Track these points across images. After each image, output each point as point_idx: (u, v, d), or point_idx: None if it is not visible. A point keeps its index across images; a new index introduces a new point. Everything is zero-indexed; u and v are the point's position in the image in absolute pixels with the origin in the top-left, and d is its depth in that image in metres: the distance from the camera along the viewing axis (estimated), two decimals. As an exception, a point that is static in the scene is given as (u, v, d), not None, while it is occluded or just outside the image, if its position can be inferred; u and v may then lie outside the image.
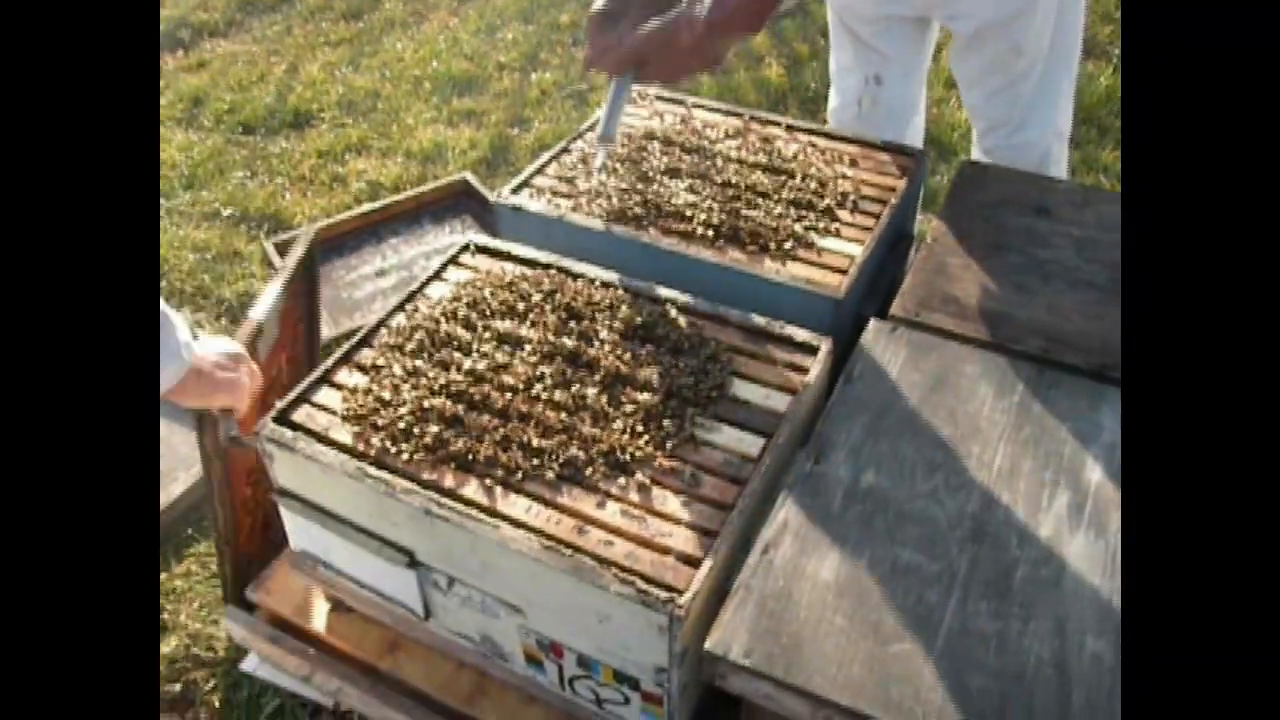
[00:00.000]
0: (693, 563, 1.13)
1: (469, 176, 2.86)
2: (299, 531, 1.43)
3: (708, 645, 1.03)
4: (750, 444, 1.26)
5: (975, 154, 2.06)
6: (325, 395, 1.37)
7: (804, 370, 1.35)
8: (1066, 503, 1.17)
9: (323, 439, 1.30)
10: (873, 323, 1.40)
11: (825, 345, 1.38)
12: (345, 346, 1.43)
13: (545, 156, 1.79)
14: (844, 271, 1.51)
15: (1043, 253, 1.56)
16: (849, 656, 1.01)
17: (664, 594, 1.08)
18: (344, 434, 1.31)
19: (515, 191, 1.71)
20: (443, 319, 1.45)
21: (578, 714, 1.36)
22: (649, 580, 1.10)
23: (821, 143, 1.83)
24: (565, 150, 1.82)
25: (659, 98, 1.98)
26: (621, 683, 1.23)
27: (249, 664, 1.71)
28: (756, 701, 1.04)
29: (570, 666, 1.27)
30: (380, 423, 1.30)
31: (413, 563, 1.30)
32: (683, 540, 1.15)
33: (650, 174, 1.72)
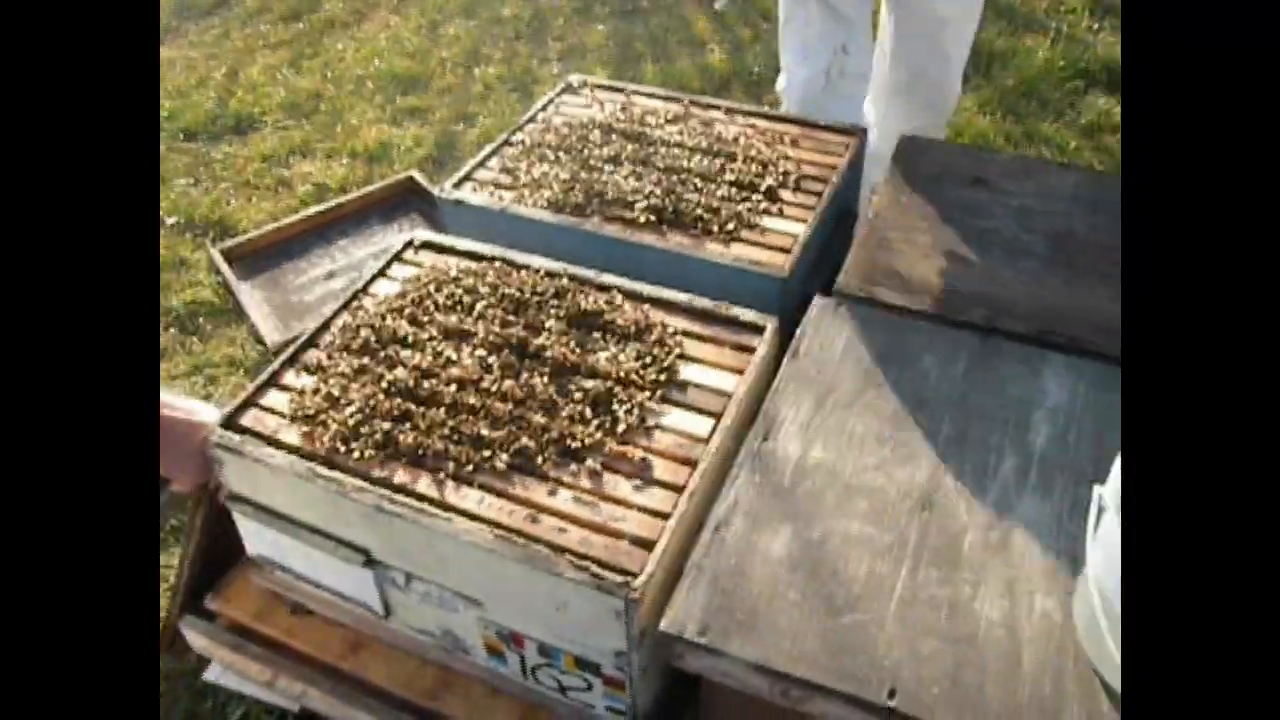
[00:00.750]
0: (646, 545, 1.13)
1: (416, 174, 2.85)
2: (254, 536, 1.43)
3: (663, 625, 1.03)
4: (700, 425, 1.27)
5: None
6: (273, 398, 1.36)
7: (751, 350, 1.36)
8: (1013, 467, 1.19)
9: (271, 441, 1.29)
10: (817, 300, 1.41)
11: (771, 325, 1.39)
12: (291, 348, 1.42)
13: (487, 149, 1.79)
14: (788, 251, 1.52)
15: (982, 224, 1.58)
16: (803, 629, 1.02)
17: (619, 578, 1.09)
18: (293, 435, 1.30)
19: (458, 186, 1.70)
20: (388, 316, 1.44)
21: (542, 703, 1.36)
22: (603, 565, 1.11)
23: (762, 124, 1.84)
24: (507, 143, 1.81)
25: (598, 87, 1.98)
26: (583, 669, 1.23)
27: (212, 673, 1.69)
28: (714, 679, 1.05)
29: (531, 656, 1.27)
30: (329, 422, 1.29)
31: (369, 561, 1.29)
32: (635, 524, 1.16)
33: (592, 162, 1.72)
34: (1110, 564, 0.93)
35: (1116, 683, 0.97)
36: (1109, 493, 0.95)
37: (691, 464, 1.22)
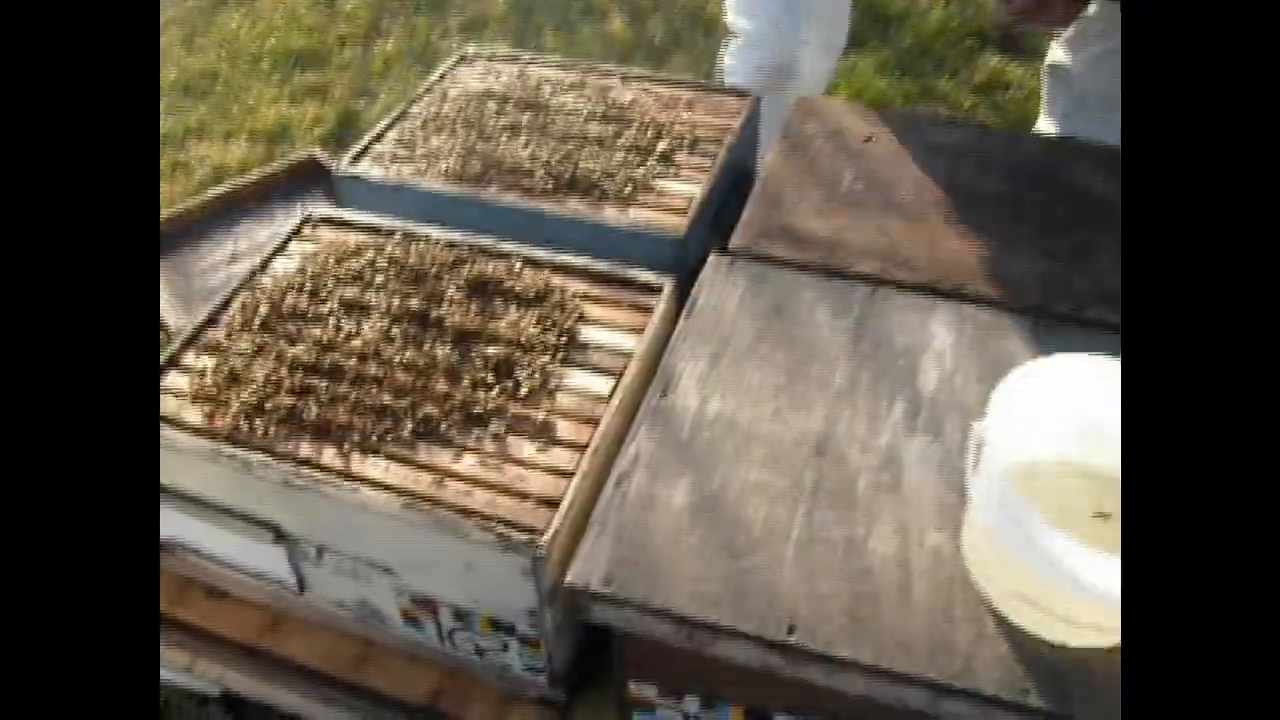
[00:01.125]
0: (551, 504, 1.16)
1: (316, 153, 2.81)
2: (163, 520, 1.42)
3: (568, 578, 1.06)
4: (601, 385, 1.30)
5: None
6: (173, 379, 1.35)
7: (649, 310, 1.39)
8: (903, 411, 1.24)
9: (173, 423, 1.28)
10: (711, 257, 1.44)
11: (668, 284, 1.41)
12: (190, 329, 1.41)
13: (382, 123, 1.78)
14: (684, 212, 1.55)
15: (873, 179, 1.62)
16: (705, 574, 1.05)
17: (524, 536, 1.11)
18: (195, 416, 1.29)
19: (354, 161, 1.70)
20: (288, 293, 1.44)
21: (462, 667, 1.39)
22: (509, 525, 1.13)
23: (657, 89, 1.86)
24: (403, 116, 1.80)
25: (494, 57, 1.98)
26: (498, 630, 1.26)
27: (128, 662, 1.68)
28: (622, 628, 1.08)
29: (447, 620, 1.29)
30: (231, 401, 1.29)
31: (279, 537, 1.30)
32: (540, 484, 1.18)
33: (489, 132, 1.73)
34: (989, 494, 0.98)
35: (999, 604, 1.02)
36: (987, 427, 1.00)
37: (594, 422, 1.25)
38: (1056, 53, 2.09)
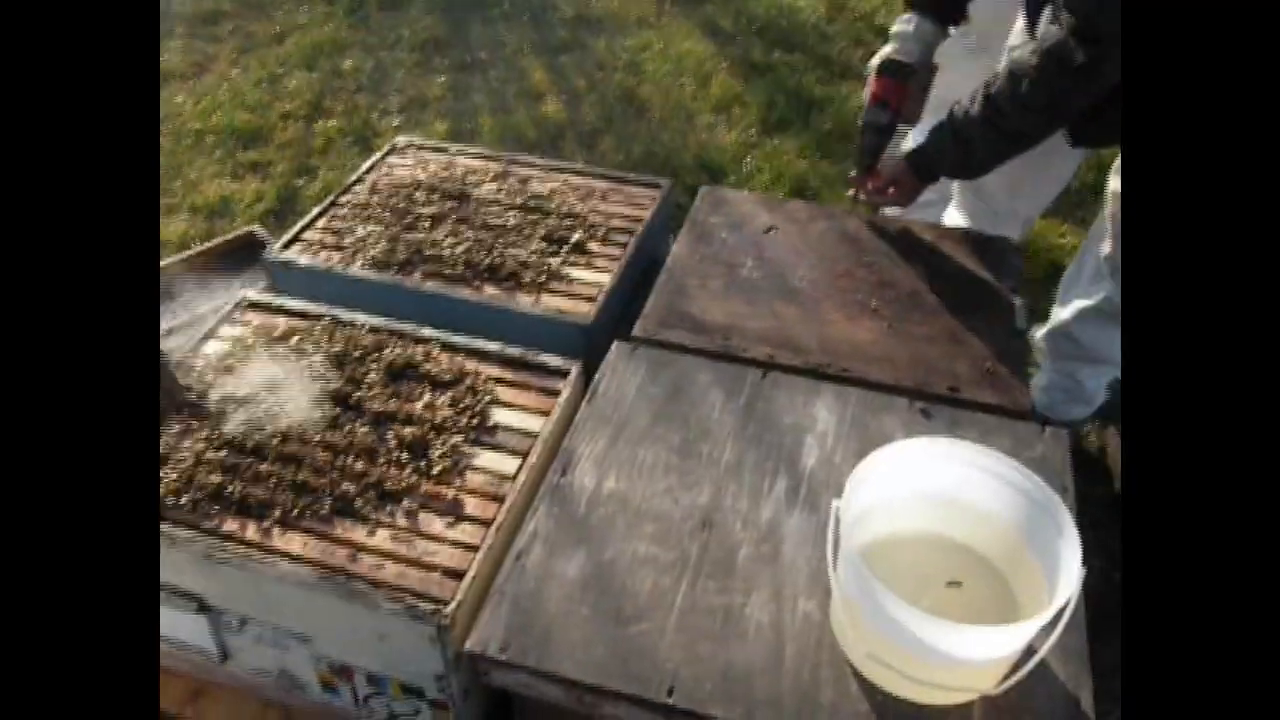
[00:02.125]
0: (457, 575, 1.25)
1: (256, 229, 2.89)
2: (89, 593, 1.48)
3: (468, 645, 1.15)
4: (508, 464, 1.39)
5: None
6: (103, 459, 1.42)
7: (556, 394, 1.50)
8: (785, 487, 1.35)
9: (101, 501, 1.35)
10: (616, 344, 1.56)
11: (575, 369, 1.52)
12: (121, 410, 1.48)
13: (315, 210, 1.88)
14: (593, 299, 1.66)
15: (771, 267, 1.75)
16: (594, 640, 1.15)
17: (431, 606, 1.20)
18: (123, 493, 1.36)
19: (286, 247, 1.79)
20: (219, 374, 1.52)
21: (379, 732, 1.46)
22: (417, 595, 1.22)
23: (575, 179, 1.99)
24: (334, 203, 1.91)
25: (423, 147, 2.10)
26: (409, 694, 1.33)
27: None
28: (519, 691, 1.17)
29: (362, 686, 1.37)
30: (161, 477, 1.37)
31: (202, 607, 1.37)
32: (447, 557, 1.27)
33: (415, 221, 1.84)
34: (845, 566, 1.09)
35: (860, 666, 1.12)
36: (844, 504, 1.11)
37: (500, 500, 1.34)
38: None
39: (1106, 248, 1.87)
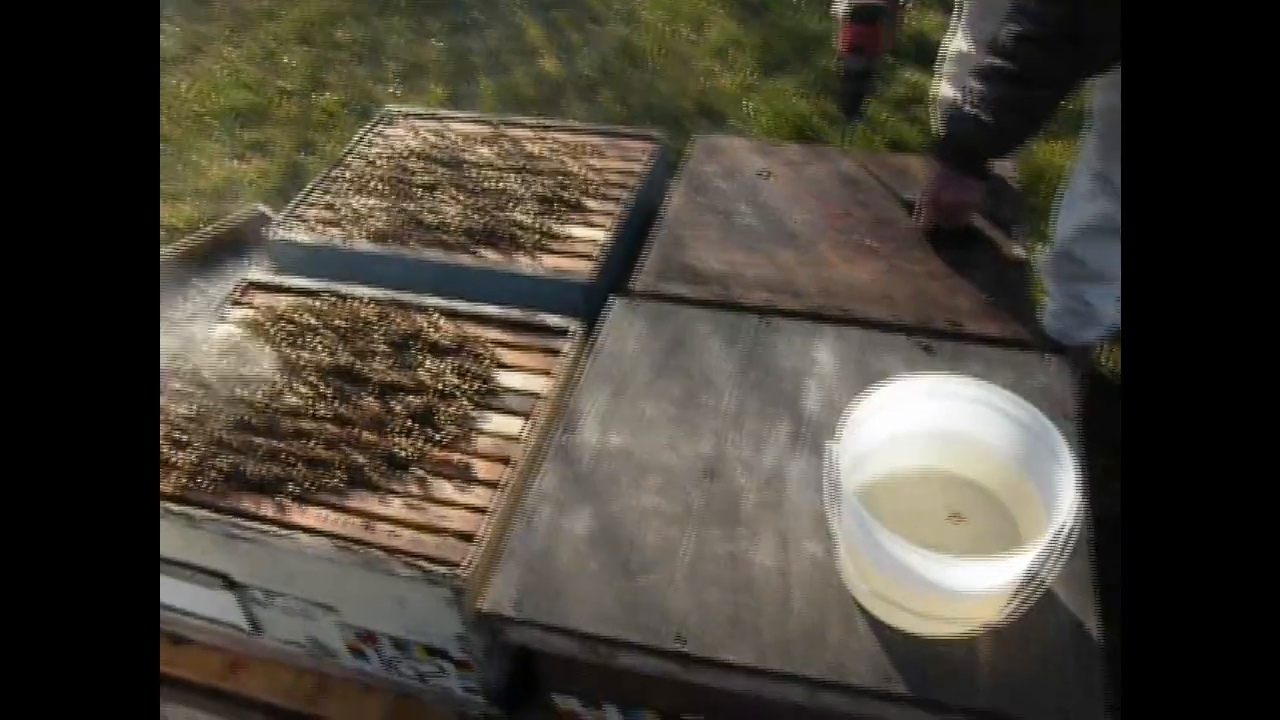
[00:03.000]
0: (469, 539, 1.27)
1: (263, 208, 2.91)
2: (120, 577, 1.52)
3: (483, 606, 1.18)
4: (514, 426, 1.42)
5: None
6: (121, 446, 1.45)
7: (559, 353, 1.51)
8: (787, 432, 1.36)
9: (122, 487, 1.39)
10: (615, 300, 1.57)
11: (575, 327, 1.54)
12: (135, 398, 1.51)
13: (309, 186, 1.90)
14: (592, 257, 1.67)
15: (766, 213, 1.75)
16: (603, 594, 1.17)
17: (445, 569, 1.23)
18: (142, 479, 1.40)
19: (284, 224, 1.81)
20: (227, 357, 1.55)
21: (409, 693, 1.50)
22: (432, 560, 1.25)
23: (567, 137, 1.99)
24: (329, 177, 1.92)
25: (413, 115, 2.10)
26: (434, 656, 1.37)
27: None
28: (534, 647, 1.20)
29: (387, 651, 1.40)
30: (177, 462, 1.40)
31: (229, 584, 1.41)
32: (459, 520, 1.30)
33: (411, 191, 1.85)
34: (845, 507, 1.10)
35: (866, 604, 1.14)
36: (839, 447, 1.12)
37: (508, 461, 1.37)
38: (943, 87, 2.22)
39: (1097, 164, 1.85)
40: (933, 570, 1.02)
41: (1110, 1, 1.36)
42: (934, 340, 1.49)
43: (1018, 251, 1.66)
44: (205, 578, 1.42)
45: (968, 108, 1.53)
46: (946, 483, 1.25)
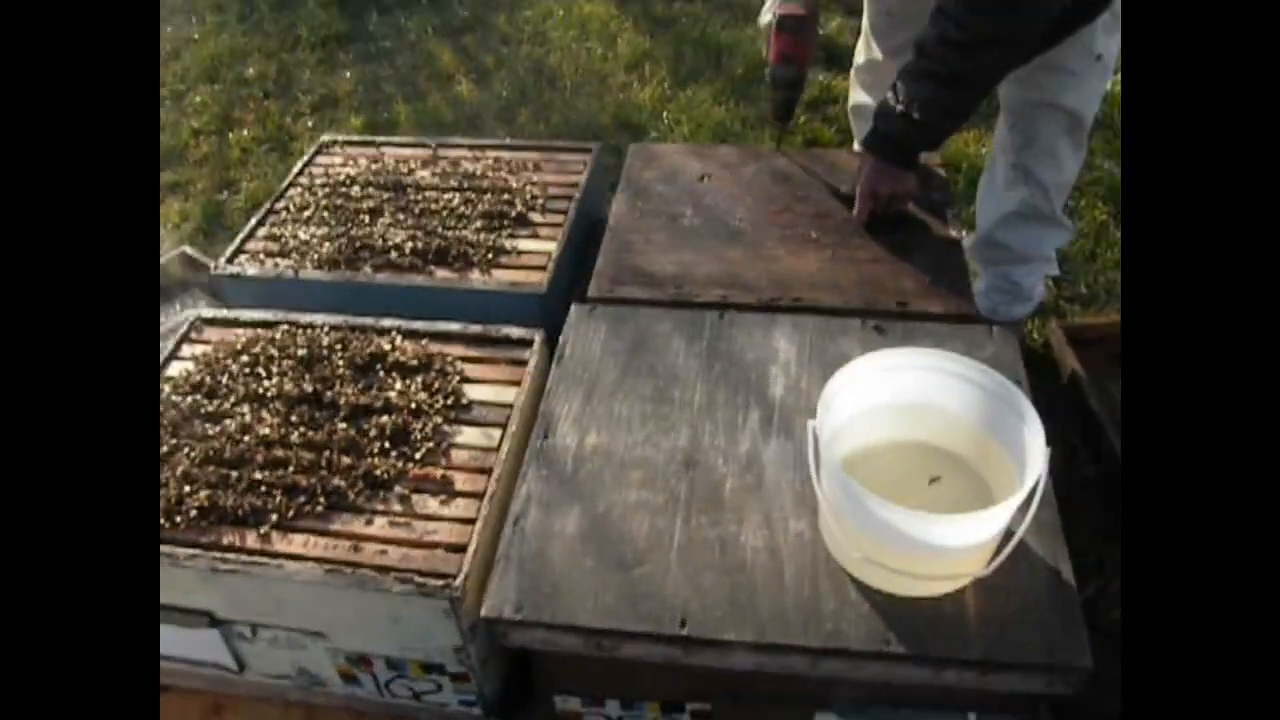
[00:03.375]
0: (459, 549, 1.29)
1: (188, 249, 2.87)
2: (95, 626, 1.49)
3: (483, 611, 1.19)
4: (489, 437, 1.43)
5: None
6: (88, 493, 1.43)
7: (524, 363, 1.53)
8: (758, 419, 1.41)
9: (96, 533, 1.37)
10: (574, 307, 1.60)
11: (538, 337, 1.56)
12: (97, 443, 1.49)
13: (253, 220, 1.89)
14: (544, 268, 1.70)
15: (709, 213, 1.80)
16: (602, 588, 1.20)
17: (440, 582, 1.24)
18: (116, 523, 1.38)
19: (231, 260, 1.80)
20: (188, 394, 1.54)
21: (402, 715, 1.50)
22: (425, 574, 1.26)
23: (505, 155, 2.01)
24: (271, 210, 1.91)
25: (349, 143, 2.11)
26: (430, 672, 1.38)
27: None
28: (537, 648, 1.22)
29: (382, 672, 1.40)
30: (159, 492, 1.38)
31: (213, 621, 1.39)
32: (447, 533, 1.31)
33: (355, 217, 1.85)
34: (829, 479, 1.15)
35: (856, 572, 1.19)
36: (819, 423, 1.16)
37: (488, 471, 1.38)
38: (858, 94, 2.30)
39: (1013, 155, 1.94)
40: (923, 530, 1.07)
41: (1026, 7, 1.46)
42: (885, 321, 1.55)
43: (953, 233, 1.74)
44: (187, 617, 1.40)
45: (899, 107, 1.60)
46: (916, 451, 1.30)
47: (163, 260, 2.86)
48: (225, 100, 3.67)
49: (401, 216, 1.84)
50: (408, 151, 2.06)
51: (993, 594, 1.17)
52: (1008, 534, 1.14)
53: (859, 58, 2.24)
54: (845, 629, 1.14)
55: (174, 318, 2.74)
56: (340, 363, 1.56)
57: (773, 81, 1.87)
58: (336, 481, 1.38)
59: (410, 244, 1.76)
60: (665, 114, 3.27)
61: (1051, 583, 1.18)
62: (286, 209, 1.91)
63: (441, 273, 1.72)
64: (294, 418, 1.47)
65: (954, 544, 1.10)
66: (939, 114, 1.61)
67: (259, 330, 1.65)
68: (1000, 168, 2.04)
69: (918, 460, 1.29)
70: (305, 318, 1.66)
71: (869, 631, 1.14)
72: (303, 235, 1.82)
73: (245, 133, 3.47)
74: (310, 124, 3.48)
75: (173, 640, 1.45)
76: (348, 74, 3.71)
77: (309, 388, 1.51)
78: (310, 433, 1.45)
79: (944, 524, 1.06)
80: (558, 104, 3.38)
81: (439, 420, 1.46)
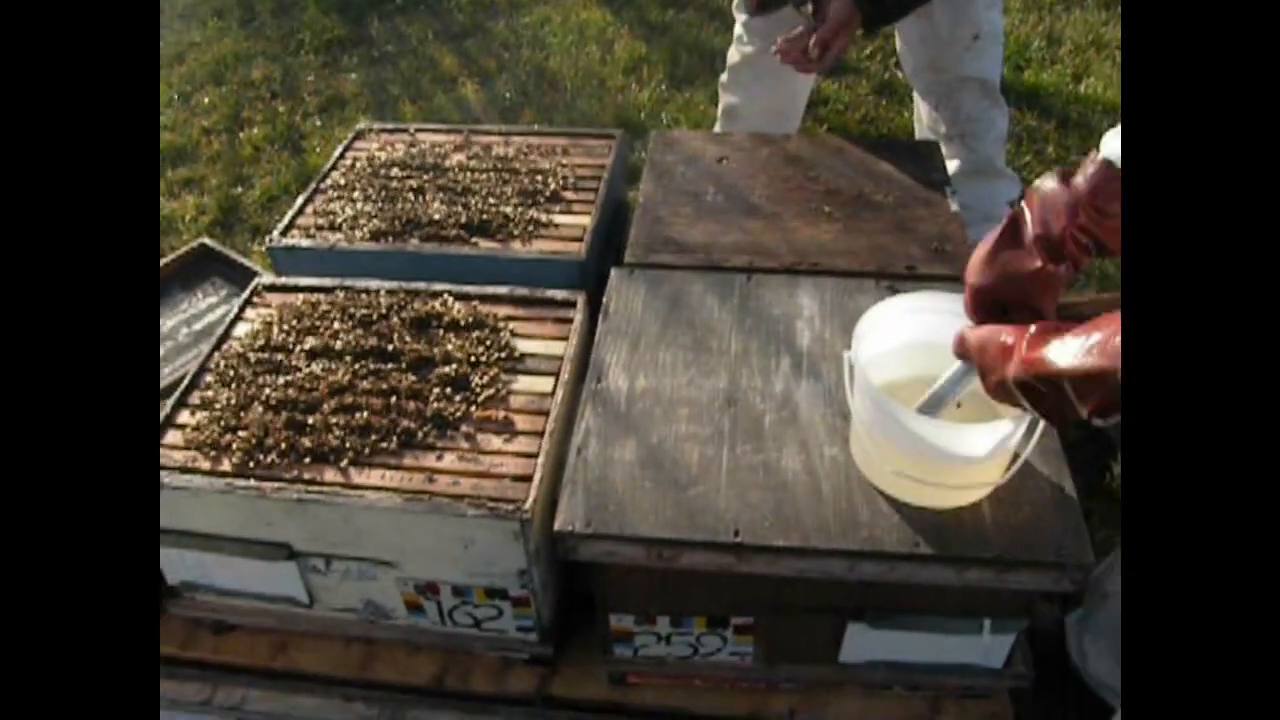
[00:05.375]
0: (525, 479, 1.42)
1: (207, 240, 2.99)
2: (174, 565, 1.61)
3: (556, 526, 1.33)
4: (544, 384, 1.57)
5: None
6: (172, 437, 1.55)
7: (569, 321, 1.68)
8: (789, 364, 1.56)
9: (186, 470, 1.49)
10: (614, 270, 1.74)
11: (581, 298, 1.71)
12: (176, 392, 1.61)
13: (300, 199, 2.02)
14: (581, 239, 1.84)
15: (730, 191, 1.95)
16: (662, 505, 1.34)
17: (510, 506, 1.38)
18: (203, 462, 1.50)
19: (285, 234, 1.93)
20: (255, 351, 1.66)
21: (460, 647, 1.62)
22: (496, 500, 1.39)
23: (534, 140, 2.16)
24: (317, 190, 2.04)
25: (384, 130, 2.25)
26: (493, 597, 1.51)
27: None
28: (603, 560, 1.35)
29: (447, 599, 1.53)
30: (232, 444, 1.51)
31: (291, 554, 1.52)
32: (513, 466, 1.45)
33: (398, 195, 1.99)
34: (864, 400, 1.30)
35: (887, 486, 1.34)
36: (854, 353, 1.31)
37: (545, 413, 1.52)
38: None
39: (944, 128, 2.12)
40: (951, 439, 1.22)
41: None
42: (896, 282, 1.71)
43: (953, 207, 1.90)
44: (268, 549, 1.52)
45: None
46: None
47: (182, 251, 2.97)
48: (233, 101, 3.80)
49: (443, 194, 1.98)
50: (441, 138, 2.20)
51: (1005, 505, 1.32)
52: (1017, 457, 1.29)
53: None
54: (879, 535, 1.29)
55: (197, 306, 2.86)
56: (397, 322, 1.69)
57: None
58: (406, 423, 1.51)
59: (453, 219, 1.90)
60: (664, 114, 3.44)
61: (1057, 496, 1.34)
62: (332, 188, 2.04)
63: (485, 244, 1.85)
64: (360, 369, 1.60)
65: (977, 452, 1.25)
66: None
67: (319, 294, 1.78)
68: (939, 144, 2.24)
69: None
70: (361, 283, 1.79)
71: (900, 537, 1.29)
72: (350, 211, 1.96)
73: (255, 131, 3.60)
74: (319, 123, 3.61)
75: (249, 574, 1.58)
76: (352, 76, 3.85)
77: (372, 344, 1.64)
78: (378, 381, 1.58)
79: (968, 431, 1.21)
80: (560, 104, 3.54)
81: (496, 370, 1.59)
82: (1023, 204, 1.15)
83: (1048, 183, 1.12)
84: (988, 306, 1.17)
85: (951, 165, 2.21)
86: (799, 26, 2.03)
